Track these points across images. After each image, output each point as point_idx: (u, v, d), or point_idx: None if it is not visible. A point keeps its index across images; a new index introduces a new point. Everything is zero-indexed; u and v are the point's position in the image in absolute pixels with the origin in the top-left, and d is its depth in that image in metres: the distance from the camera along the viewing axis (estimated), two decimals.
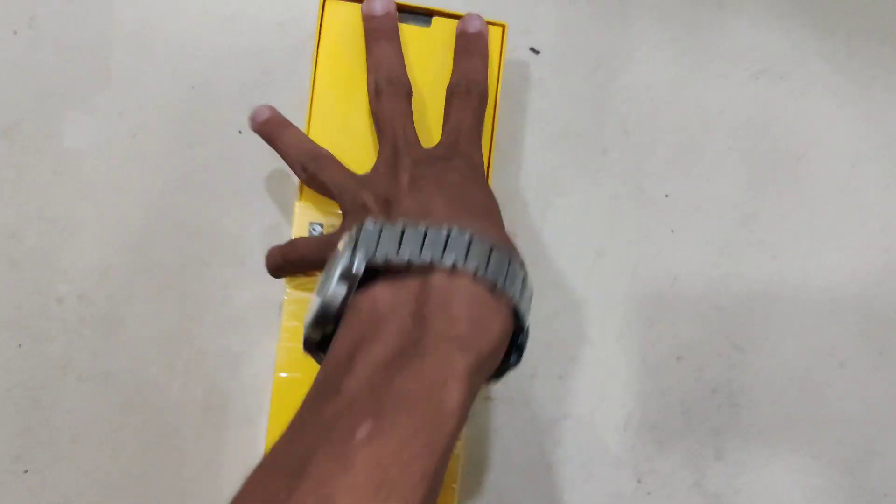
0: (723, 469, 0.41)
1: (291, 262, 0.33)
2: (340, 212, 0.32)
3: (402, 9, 0.35)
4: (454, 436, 0.23)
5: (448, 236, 0.25)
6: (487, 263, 0.25)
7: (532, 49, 0.41)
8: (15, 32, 0.38)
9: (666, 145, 0.41)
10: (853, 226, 0.42)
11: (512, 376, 0.40)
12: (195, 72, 0.39)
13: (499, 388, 0.40)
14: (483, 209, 0.29)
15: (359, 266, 0.25)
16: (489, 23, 0.36)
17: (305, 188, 0.35)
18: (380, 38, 0.34)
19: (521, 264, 0.27)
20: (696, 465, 0.41)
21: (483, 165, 0.33)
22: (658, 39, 0.42)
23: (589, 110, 0.41)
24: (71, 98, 0.38)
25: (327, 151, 0.33)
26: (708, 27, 0.42)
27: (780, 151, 0.42)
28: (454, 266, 0.25)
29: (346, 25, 0.35)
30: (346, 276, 0.25)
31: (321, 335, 0.27)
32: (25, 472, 0.38)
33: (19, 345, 0.38)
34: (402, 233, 0.26)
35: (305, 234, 0.35)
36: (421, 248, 0.25)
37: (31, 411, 0.38)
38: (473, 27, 0.35)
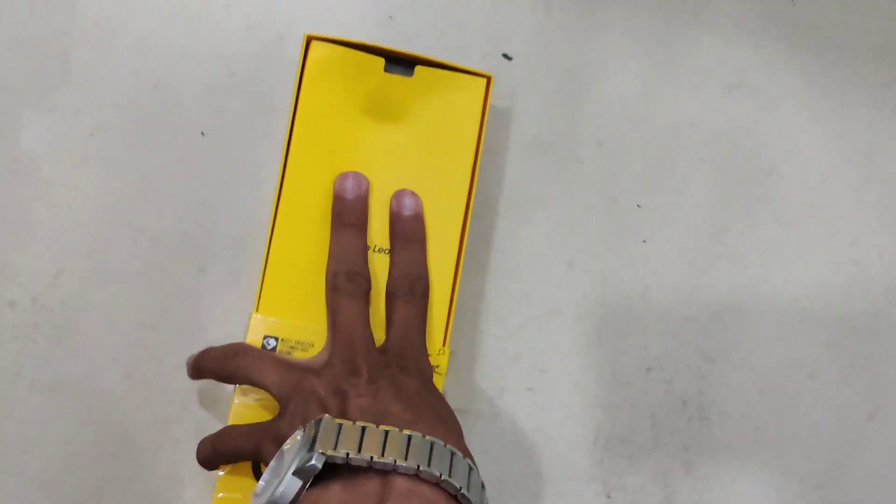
0: (692, 484, 0.40)
1: (222, 453, 0.32)
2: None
3: (389, 58, 0.35)
4: None
5: (409, 440, 0.25)
6: (450, 469, 0.26)
7: (504, 55, 0.41)
8: None
9: (639, 156, 0.41)
10: (823, 239, 0.42)
11: (480, 389, 0.39)
12: (158, 71, 0.39)
13: (468, 401, 0.39)
14: (440, 416, 0.29)
15: (317, 461, 0.24)
16: (476, 74, 0.36)
17: (263, 298, 0.34)
18: (347, 225, 0.34)
19: (478, 475, 0.28)
20: (665, 480, 0.40)
21: (432, 373, 0.33)
22: (632, 51, 0.42)
23: (562, 120, 0.41)
24: (27, 95, 0.37)
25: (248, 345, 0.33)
26: (681, 40, 0.42)
27: (751, 165, 0.42)
28: (417, 470, 0.25)
29: (329, 67, 0.35)
30: (302, 471, 0.24)
31: None
32: None
33: None
34: (363, 431, 0.25)
35: (259, 345, 0.34)
36: (383, 450, 0.25)
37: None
38: (408, 208, 0.34)
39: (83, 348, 0.37)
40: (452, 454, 0.26)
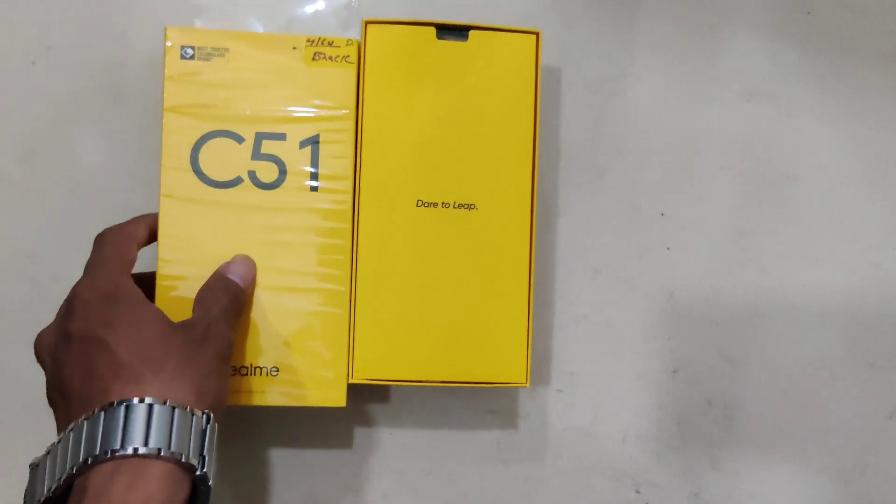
0: (719, 479, 0.41)
1: None
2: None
3: (441, 27, 0.37)
4: None
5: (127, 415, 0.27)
6: (146, 435, 0.27)
7: None
8: (33, 62, 0.40)
9: (660, 165, 0.42)
10: (842, 242, 0.43)
11: (512, 390, 0.41)
12: None
13: (499, 402, 0.41)
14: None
15: (83, 468, 0.27)
16: (525, 31, 0.37)
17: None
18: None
19: (189, 410, 0.28)
20: (692, 476, 0.41)
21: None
22: (652, 63, 0.43)
23: (583, 131, 0.42)
24: (86, 122, 0.40)
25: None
26: (700, 51, 0.43)
27: (770, 170, 0.43)
28: (136, 450, 0.27)
29: (389, 47, 0.36)
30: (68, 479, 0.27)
31: None
32: None
33: None
34: (57, 446, 0.28)
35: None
36: (68, 452, 0.27)
37: (50, 426, 0.39)
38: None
39: None
40: (148, 408, 0.27)
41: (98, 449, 0.26)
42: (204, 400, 0.29)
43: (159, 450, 0.26)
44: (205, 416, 0.28)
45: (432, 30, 0.37)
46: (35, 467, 0.29)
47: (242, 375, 0.35)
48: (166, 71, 0.35)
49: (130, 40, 0.40)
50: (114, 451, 0.26)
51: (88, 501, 0.26)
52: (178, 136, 0.35)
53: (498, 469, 0.41)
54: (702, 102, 0.43)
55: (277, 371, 0.35)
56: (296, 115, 0.36)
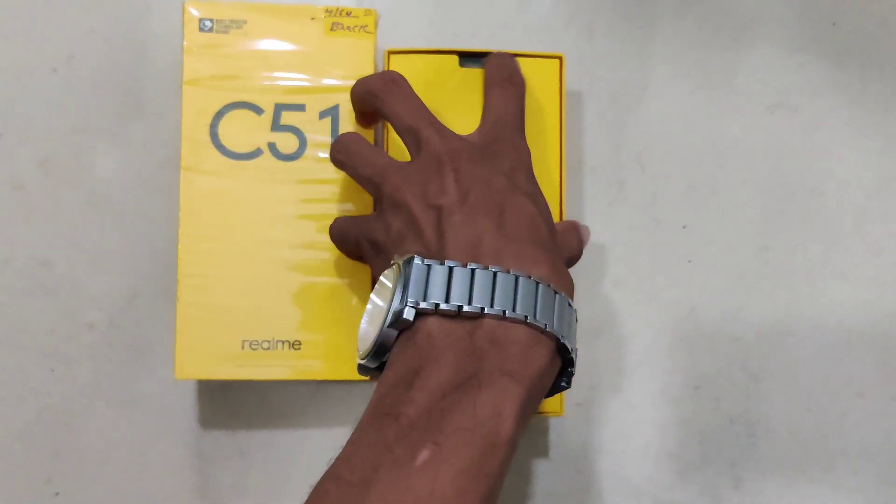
0: (741, 499, 0.41)
1: (336, 237, 0.35)
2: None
3: (463, 54, 0.37)
4: (507, 463, 0.25)
5: (495, 280, 0.26)
6: (535, 307, 0.27)
7: None
8: (54, 70, 0.40)
9: (681, 178, 0.42)
10: (867, 257, 0.42)
11: None
12: None
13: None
14: (530, 230, 0.29)
15: (408, 315, 0.26)
16: (547, 56, 0.37)
17: None
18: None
19: (565, 298, 0.28)
20: (714, 494, 0.41)
21: (529, 155, 0.32)
22: (673, 74, 0.42)
23: (605, 143, 0.42)
24: (103, 132, 0.40)
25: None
26: (722, 62, 0.43)
27: (794, 184, 0.42)
28: (504, 315, 0.26)
29: (411, 75, 0.36)
30: (396, 323, 0.27)
31: (377, 364, 0.28)
32: (56, 494, 0.39)
33: (52, 369, 0.39)
34: (450, 274, 0.26)
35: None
36: (470, 295, 0.26)
37: (62, 434, 0.39)
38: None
39: (156, 367, 0.39)
40: (538, 287, 0.27)
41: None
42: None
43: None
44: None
45: (455, 58, 0.37)
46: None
47: (264, 350, 0.35)
48: (185, 44, 0.35)
49: (151, 51, 0.40)
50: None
51: (488, 334, 0.26)
52: (197, 108, 0.35)
53: (515, 485, 0.40)
54: (725, 114, 0.42)
55: (300, 345, 0.35)
56: (315, 85, 0.36)
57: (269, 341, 0.35)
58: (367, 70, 0.36)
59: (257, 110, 0.36)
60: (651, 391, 0.41)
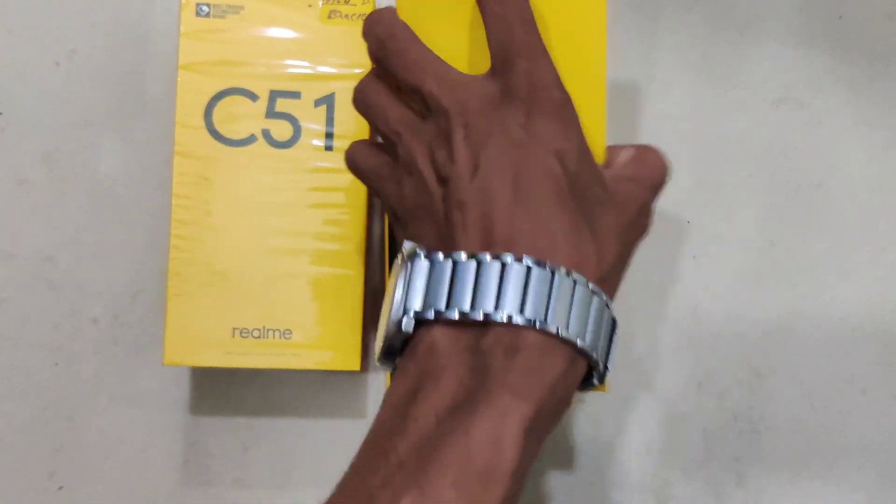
0: (744, 496, 0.41)
1: (352, 166, 0.31)
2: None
3: None
4: (511, 498, 0.22)
5: (503, 274, 0.23)
6: (548, 306, 0.23)
7: None
8: (57, 64, 0.40)
9: (686, 172, 0.42)
10: (873, 253, 0.42)
11: None
12: None
13: None
14: (552, 197, 0.24)
15: (407, 327, 0.24)
16: None
17: None
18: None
19: (588, 288, 0.24)
20: (717, 491, 0.41)
21: (551, 75, 0.26)
22: (678, 68, 0.42)
23: (609, 137, 0.42)
24: (106, 126, 0.40)
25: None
26: (728, 56, 0.42)
27: (799, 179, 0.42)
28: (510, 319, 0.23)
29: None
30: (398, 332, 0.24)
31: (392, 366, 0.26)
32: (60, 488, 0.39)
33: (56, 364, 0.39)
34: (454, 271, 0.23)
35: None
36: (474, 296, 0.23)
37: (65, 429, 0.39)
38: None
39: (160, 362, 0.39)
40: (553, 277, 0.23)
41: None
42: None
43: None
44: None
45: None
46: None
47: (255, 338, 0.35)
48: (182, 28, 0.35)
49: (153, 44, 0.40)
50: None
51: (493, 345, 0.23)
52: (191, 93, 0.35)
53: None
54: (730, 109, 0.42)
55: (290, 333, 0.35)
56: (311, 73, 0.36)
57: (259, 329, 0.35)
58: (364, 58, 0.35)
59: (252, 97, 0.35)
60: (654, 387, 0.41)
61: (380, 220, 0.39)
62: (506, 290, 0.23)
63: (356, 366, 0.35)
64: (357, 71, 0.36)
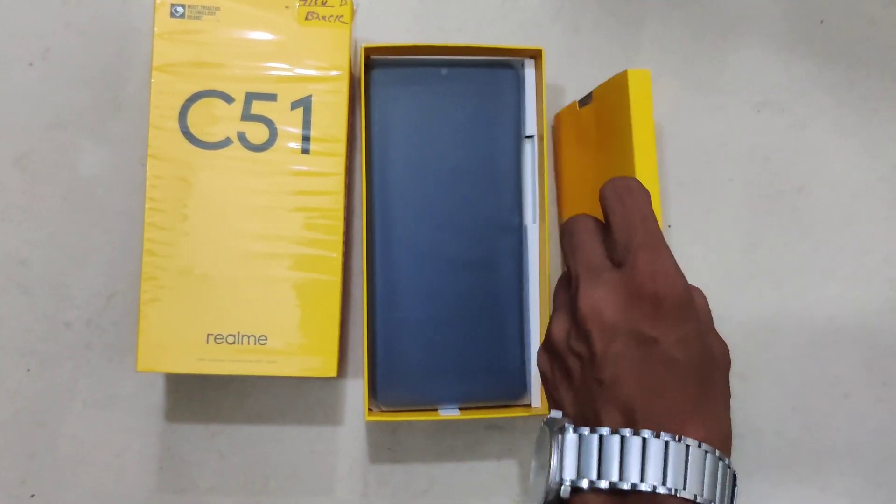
0: None
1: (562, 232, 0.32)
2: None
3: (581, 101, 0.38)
4: None
5: (644, 448, 0.26)
6: (685, 476, 0.25)
7: None
8: (31, 64, 0.39)
9: (668, 176, 0.42)
10: (854, 257, 0.42)
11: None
12: None
13: (499, 417, 0.40)
14: (677, 378, 0.27)
15: (564, 493, 0.26)
16: (525, 49, 0.37)
17: None
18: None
19: (718, 460, 0.26)
20: None
21: (672, 262, 0.28)
22: (660, 71, 0.42)
23: None
24: (81, 127, 0.39)
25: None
26: (709, 60, 0.42)
27: (781, 182, 0.42)
28: (654, 489, 0.25)
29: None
30: (556, 498, 0.26)
31: None
32: (32, 496, 0.38)
33: (28, 369, 0.38)
34: (600, 445, 0.26)
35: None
36: (621, 468, 0.26)
37: (38, 435, 0.38)
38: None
39: (133, 366, 0.38)
40: (688, 452, 0.26)
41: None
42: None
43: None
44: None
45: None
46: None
47: (229, 344, 0.34)
48: (156, 29, 0.35)
49: (128, 44, 0.40)
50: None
51: None
52: (165, 95, 0.35)
53: (498, 486, 0.40)
54: (711, 112, 0.42)
55: (266, 339, 0.34)
56: (287, 75, 0.35)
57: (234, 335, 0.34)
58: (342, 61, 0.35)
59: (227, 99, 0.35)
60: None
61: (358, 223, 0.39)
62: (648, 462, 0.26)
63: (332, 372, 0.34)
64: (334, 73, 0.35)
